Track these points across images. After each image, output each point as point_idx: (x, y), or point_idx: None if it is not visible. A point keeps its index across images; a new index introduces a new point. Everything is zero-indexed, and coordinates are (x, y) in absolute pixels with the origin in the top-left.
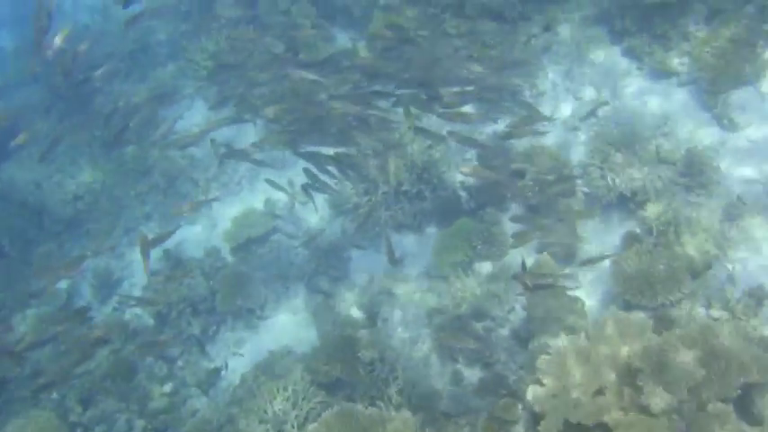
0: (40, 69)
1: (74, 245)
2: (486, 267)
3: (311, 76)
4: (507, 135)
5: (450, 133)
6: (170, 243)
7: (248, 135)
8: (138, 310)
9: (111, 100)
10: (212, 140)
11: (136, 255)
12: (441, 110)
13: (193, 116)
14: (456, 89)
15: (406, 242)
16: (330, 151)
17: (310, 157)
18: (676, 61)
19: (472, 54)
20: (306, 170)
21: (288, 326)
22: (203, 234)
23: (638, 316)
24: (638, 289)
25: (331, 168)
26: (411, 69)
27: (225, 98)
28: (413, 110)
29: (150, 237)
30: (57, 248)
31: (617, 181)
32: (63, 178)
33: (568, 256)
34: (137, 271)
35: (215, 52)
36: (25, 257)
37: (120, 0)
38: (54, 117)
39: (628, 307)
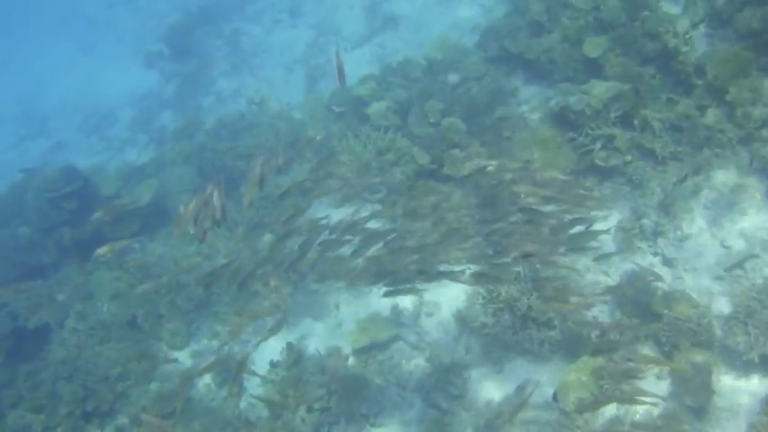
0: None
1: (201, 324)
2: (610, 410)
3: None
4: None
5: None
6: (293, 337)
7: None
8: (253, 400)
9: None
10: None
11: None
12: None
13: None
14: None
15: (529, 369)
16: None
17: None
18: None
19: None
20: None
21: None
22: (327, 332)
23: None
24: None
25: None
26: None
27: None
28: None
29: None
30: (184, 327)
31: (761, 339)
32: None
33: (701, 409)
34: (257, 359)
35: (360, 153)
36: (154, 332)
37: None
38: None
39: None
